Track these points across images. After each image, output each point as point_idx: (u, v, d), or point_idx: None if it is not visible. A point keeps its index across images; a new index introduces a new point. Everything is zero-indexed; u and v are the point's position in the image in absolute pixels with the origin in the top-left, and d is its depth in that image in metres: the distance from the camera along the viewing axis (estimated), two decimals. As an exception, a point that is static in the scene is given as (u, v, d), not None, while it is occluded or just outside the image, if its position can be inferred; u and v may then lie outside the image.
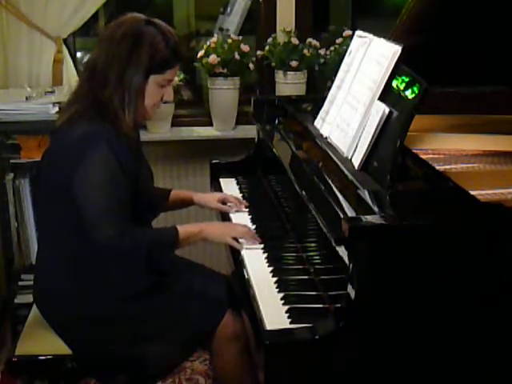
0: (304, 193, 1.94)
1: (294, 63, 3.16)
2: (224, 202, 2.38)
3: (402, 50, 1.86)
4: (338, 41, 3.23)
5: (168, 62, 1.97)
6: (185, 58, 2.07)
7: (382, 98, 1.88)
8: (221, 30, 3.30)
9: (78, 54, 3.33)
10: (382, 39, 1.99)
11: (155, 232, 2.07)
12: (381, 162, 1.79)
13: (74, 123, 1.94)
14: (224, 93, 3.22)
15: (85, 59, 3.21)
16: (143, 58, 1.92)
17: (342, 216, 1.59)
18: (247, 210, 2.34)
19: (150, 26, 1.96)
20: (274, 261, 1.97)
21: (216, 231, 2.11)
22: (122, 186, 1.91)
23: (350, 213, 1.60)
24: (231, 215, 2.32)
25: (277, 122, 2.53)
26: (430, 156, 2.02)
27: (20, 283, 2.97)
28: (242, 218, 2.27)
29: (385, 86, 1.88)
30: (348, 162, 1.91)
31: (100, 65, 1.95)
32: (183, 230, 2.01)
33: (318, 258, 1.93)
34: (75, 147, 1.91)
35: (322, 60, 3.22)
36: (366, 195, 1.67)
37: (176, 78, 3.10)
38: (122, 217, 1.91)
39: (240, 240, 2.07)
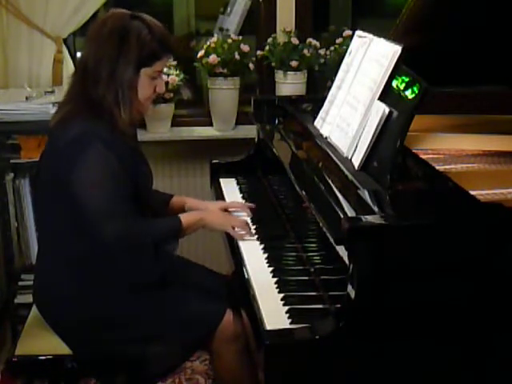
0: (304, 193, 1.94)
1: (294, 63, 3.16)
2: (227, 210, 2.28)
3: (402, 50, 1.86)
4: (338, 41, 3.22)
5: (156, 54, 1.97)
6: (174, 48, 2.07)
7: (381, 98, 1.88)
8: (221, 30, 3.30)
9: (78, 54, 3.32)
10: (381, 39, 1.99)
11: (159, 222, 2.07)
12: (381, 162, 1.79)
13: (69, 123, 1.95)
14: (224, 93, 3.22)
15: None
16: (131, 52, 1.93)
17: (341, 216, 1.59)
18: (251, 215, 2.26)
19: (135, 20, 1.96)
20: (274, 261, 1.97)
21: (215, 220, 2.12)
22: (121, 181, 1.92)
23: (350, 213, 1.60)
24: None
25: (277, 122, 2.53)
26: (430, 156, 2.02)
27: (20, 283, 2.97)
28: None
29: (385, 86, 1.88)
30: (348, 161, 1.91)
31: (90, 64, 1.95)
32: (185, 218, 2.03)
33: (318, 258, 1.93)
34: (71, 147, 1.91)
35: (322, 60, 3.22)
36: (365, 195, 1.67)
37: (176, 79, 3.11)
38: (125, 211, 1.91)
39: (236, 229, 2.11)
